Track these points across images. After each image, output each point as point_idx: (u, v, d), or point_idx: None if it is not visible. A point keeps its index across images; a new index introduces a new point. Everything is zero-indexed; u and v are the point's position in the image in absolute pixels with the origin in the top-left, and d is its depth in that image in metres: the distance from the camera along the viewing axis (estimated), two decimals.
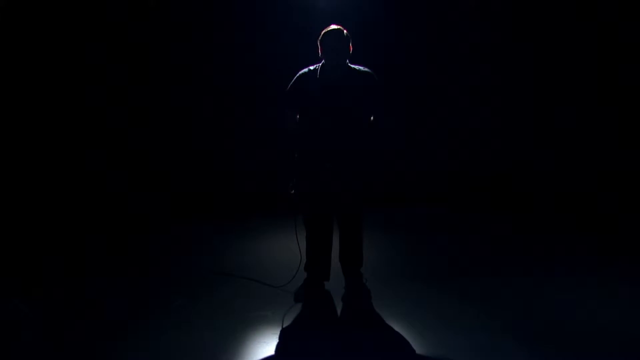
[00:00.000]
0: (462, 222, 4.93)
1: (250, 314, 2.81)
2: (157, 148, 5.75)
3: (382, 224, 4.66)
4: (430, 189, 5.72)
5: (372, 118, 2.94)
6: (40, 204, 5.00)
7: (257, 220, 4.96)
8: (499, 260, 3.74)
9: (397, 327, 2.63)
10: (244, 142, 5.78)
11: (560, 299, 2.94)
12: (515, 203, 5.42)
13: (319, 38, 2.82)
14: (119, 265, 3.77)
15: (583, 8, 5.40)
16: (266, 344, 2.47)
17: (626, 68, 5.39)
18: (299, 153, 2.98)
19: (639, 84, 5.37)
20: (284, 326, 2.68)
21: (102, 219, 4.97)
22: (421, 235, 4.48)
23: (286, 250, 3.63)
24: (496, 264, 3.65)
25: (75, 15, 5.25)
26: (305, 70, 2.92)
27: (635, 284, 3.16)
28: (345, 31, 2.79)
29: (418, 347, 2.41)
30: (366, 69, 2.90)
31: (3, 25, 4.87)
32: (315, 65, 2.90)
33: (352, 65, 2.88)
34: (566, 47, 5.61)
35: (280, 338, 2.55)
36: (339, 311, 2.90)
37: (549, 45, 5.61)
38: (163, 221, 5.01)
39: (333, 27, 2.80)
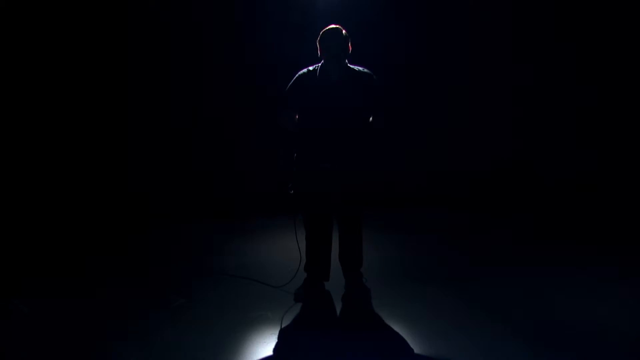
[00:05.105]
0: (462, 222, 4.93)
1: (250, 314, 2.81)
2: (156, 148, 5.75)
3: (382, 224, 4.66)
4: (430, 190, 5.72)
5: (371, 118, 2.94)
6: (37, 203, 5.01)
7: (257, 220, 4.96)
8: (499, 260, 3.74)
9: (397, 327, 2.63)
10: (244, 142, 5.78)
11: (560, 299, 2.94)
12: (515, 203, 5.42)
13: (318, 38, 2.82)
14: (119, 264, 3.77)
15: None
16: (266, 344, 2.47)
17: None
18: (297, 153, 2.98)
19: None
20: (283, 326, 2.68)
21: (101, 219, 4.97)
22: (421, 236, 4.48)
23: (286, 250, 3.63)
24: (496, 264, 3.66)
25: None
26: (305, 70, 2.91)
27: (635, 284, 3.16)
28: (344, 31, 2.79)
29: (418, 347, 2.41)
30: (365, 70, 2.90)
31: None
32: (314, 66, 2.90)
33: (352, 66, 2.87)
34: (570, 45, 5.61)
35: (280, 338, 2.55)
36: (339, 311, 2.90)
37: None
38: (163, 221, 5.01)
39: (332, 26, 2.80)
